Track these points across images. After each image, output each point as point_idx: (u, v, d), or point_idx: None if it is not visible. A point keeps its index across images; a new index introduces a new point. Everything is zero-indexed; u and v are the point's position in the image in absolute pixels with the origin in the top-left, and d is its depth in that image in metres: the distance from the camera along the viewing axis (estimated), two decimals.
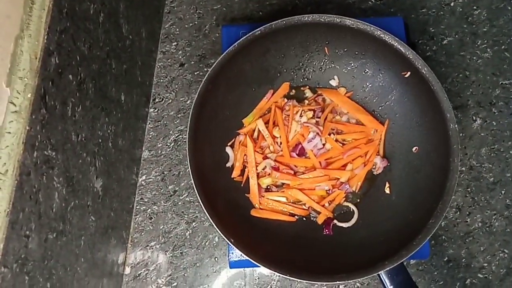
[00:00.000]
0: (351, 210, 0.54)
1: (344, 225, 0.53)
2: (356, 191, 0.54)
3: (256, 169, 0.53)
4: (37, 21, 0.34)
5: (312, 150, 0.54)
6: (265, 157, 0.54)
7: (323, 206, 0.53)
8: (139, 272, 0.57)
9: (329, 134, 0.54)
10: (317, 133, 0.54)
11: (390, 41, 0.48)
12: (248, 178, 0.54)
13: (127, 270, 0.57)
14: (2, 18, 0.31)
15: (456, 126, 0.46)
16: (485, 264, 0.56)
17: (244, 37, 0.47)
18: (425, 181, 0.49)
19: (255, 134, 0.56)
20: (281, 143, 0.54)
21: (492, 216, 0.57)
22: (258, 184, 0.53)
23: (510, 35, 0.61)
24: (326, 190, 0.54)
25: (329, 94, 0.56)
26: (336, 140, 0.54)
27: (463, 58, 0.61)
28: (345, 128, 0.55)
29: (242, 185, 0.54)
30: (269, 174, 0.54)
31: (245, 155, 0.54)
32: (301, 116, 0.54)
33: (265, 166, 0.54)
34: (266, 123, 0.55)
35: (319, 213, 0.53)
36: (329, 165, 0.54)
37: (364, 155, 0.54)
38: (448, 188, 0.45)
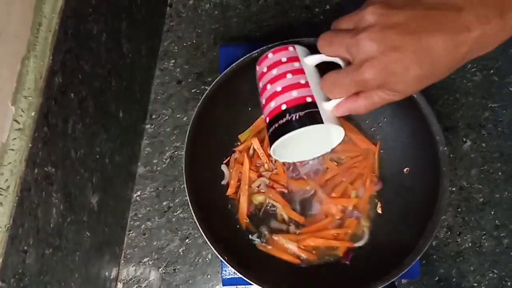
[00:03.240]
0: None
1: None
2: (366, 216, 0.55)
3: (250, 187, 0.54)
4: (43, 42, 0.35)
5: (310, 173, 0.55)
6: (260, 175, 0.55)
7: (341, 240, 0.53)
8: None
9: None
10: None
11: None
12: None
13: (119, 286, 0.57)
14: (10, 39, 0.32)
15: (445, 148, 0.47)
16: (475, 284, 0.57)
17: (242, 58, 0.49)
18: (415, 202, 0.50)
19: (251, 151, 0.57)
20: (275, 161, 0.55)
21: (482, 236, 0.58)
22: (250, 200, 0.54)
23: (498, 60, 0.63)
24: (337, 219, 0.54)
25: None
26: (331, 159, 0.55)
27: (454, 81, 0.63)
28: (339, 146, 0.56)
29: (236, 202, 0.55)
30: (263, 192, 0.55)
31: (240, 172, 0.55)
32: None
33: (260, 184, 0.55)
34: (261, 141, 0.56)
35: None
36: (333, 191, 0.54)
37: (361, 174, 0.55)
38: (438, 208, 0.46)
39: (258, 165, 0.56)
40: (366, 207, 0.55)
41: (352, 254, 0.52)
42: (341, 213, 0.54)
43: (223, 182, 0.55)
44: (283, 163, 0.55)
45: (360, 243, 0.53)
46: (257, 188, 0.55)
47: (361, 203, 0.55)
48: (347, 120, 0.57)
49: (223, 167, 0.56)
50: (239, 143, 0.57)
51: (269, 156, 0.56)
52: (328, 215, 0.54)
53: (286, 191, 0.55)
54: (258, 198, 0.55)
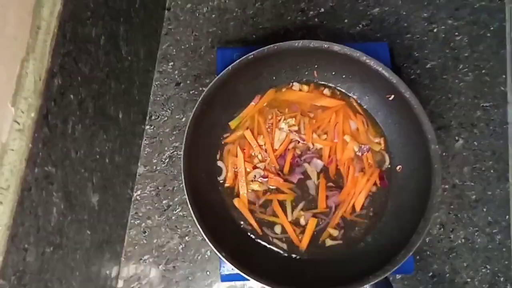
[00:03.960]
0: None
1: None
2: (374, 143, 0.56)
3: (246, 179, 0.55)
4: (42, 44, 0.36)
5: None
6: (255, 167, 0.56)
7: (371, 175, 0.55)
8: (132, 286, 0.58)
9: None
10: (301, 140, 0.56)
11: (375, 66, 0.50)
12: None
13: (120, 283, 0.58)
14: (10, 42, 0.33)
15: (437, 147, 0.48)
16: (469, 280, 0.58)
17: (238, 60, 0.50)
18: (408, 199, 0.51)
19: (242, 141, 0.57)
20: (267, 150, 0.56)
21: (475, 232, 0.59)
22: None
23: (490, 60, 0.64)
24: (355, 151, 0.56)
25: (285, 95, 0.58)
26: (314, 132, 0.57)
27: (446, 81, 0.64)
28: (318, 121, 0.57)
29: (235, 192, 0.56)
30: (261, 182, 0.56)
31: (235, 165, 0.56)
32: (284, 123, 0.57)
33: (255, 175, 0.56)
34: (252, 131, 0.57)
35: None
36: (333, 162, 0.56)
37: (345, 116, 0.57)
38: (430, 205, 0.47)
39: (252, 154, 0.57)
40: (367, 135, 0.56)
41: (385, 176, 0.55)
42: (355, 159, 0.56)
43: (220, 178, 0.56)
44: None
45: (386, 165, 0.55)
46: (253, 178, 0.56)
47: (360, 136, 0.56)
48: None
49: (220, 163, 0.56)
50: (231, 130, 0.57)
51: (260, 145, 0.56)
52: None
53: (281, 180, 0.55)
54: (253, 186, 0.56)
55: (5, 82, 0.33)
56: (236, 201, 0.55)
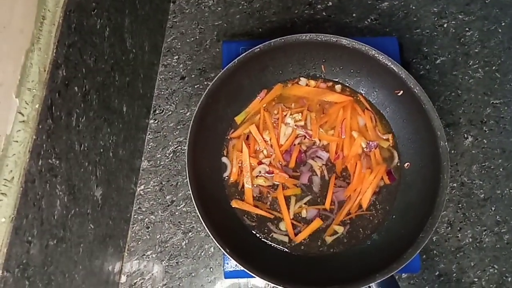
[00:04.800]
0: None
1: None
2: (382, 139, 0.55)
3: (251, 174, 0.55)
4: (47, 35, 0.35)
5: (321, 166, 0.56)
6: (260, 163, 0.55)
7: (378, 172, 0.54)
8: (135, 281, 0.58)
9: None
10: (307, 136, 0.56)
11: (384, 60, 0.49)
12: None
13: (123, 278, 0.58)
14: (15, 32, 0.33)
15: (446, 143, 0.47)
16: (476, 279, 0.57)
17: (244, 53, 0.49)
18: (416, 196, 0.50)
19: (248, 136, 0.57)
20: (272, 145, 0.56)
21: (483, 232, 0.58)
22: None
23: (501, 57, 0.63)
24: (363, 148, 0.55)
25: (292, 90, 0.57)
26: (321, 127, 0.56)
27: (456, 78, 0.63)
28: (325, 116, 0.56)
29: (239, 189, 0.55)
30: (266, 177, 0.55)
31: (240, 160, 0.55)
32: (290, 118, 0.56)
33: (260, 171, 0.55)
34: (257, 126, 0.56)
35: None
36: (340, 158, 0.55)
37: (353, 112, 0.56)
38: (438, 203, 0.46)
39: (257, 149, 0.56)
40: (375, 132, 0.55)
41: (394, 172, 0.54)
42: (362, 156, 0.55)
43: (225, 175, 0.56)
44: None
45: (395, 162, 0.54)
46: (258, 173, 0.55)
47: (368, 132, 0.55)
48: None
49: (224, 159, 0.56)
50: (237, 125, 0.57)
51: (266, 140, 0.56)
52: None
53: (287, 176, 0.55)
54: (258, 181, 0.55)
55: (10, 73, 0.33)
56: (234, 203, 0.54)
